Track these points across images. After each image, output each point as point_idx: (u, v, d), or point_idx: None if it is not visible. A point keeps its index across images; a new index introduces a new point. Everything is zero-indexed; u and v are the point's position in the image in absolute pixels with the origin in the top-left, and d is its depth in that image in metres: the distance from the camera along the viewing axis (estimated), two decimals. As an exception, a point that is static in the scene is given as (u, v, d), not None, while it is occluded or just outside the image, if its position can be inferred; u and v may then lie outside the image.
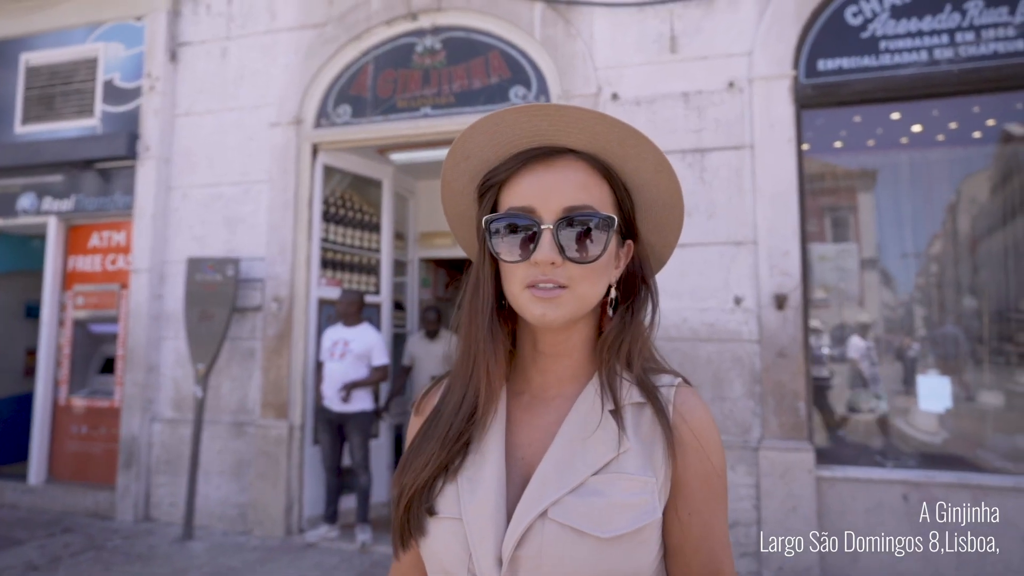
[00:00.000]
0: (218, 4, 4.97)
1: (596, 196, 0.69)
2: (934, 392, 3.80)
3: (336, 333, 4.38)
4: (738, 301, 3.77)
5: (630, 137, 0.68)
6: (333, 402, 4.24)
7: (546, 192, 0.68)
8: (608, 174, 0.71)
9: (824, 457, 3.66)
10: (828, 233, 4.24)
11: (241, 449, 4.53)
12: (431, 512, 0.69)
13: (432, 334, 4.89)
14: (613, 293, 0.74)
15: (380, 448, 4.99)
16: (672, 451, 0.68)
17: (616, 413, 0.69)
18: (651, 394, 0.70)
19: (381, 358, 4.36)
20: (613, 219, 0.69)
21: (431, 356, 4.77)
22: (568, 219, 0.67)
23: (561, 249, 0.67)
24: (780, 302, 3.67)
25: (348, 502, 4.64)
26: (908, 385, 3.93)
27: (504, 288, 0.72)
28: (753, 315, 3.74)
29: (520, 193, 0.70)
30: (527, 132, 0.70)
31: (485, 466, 0.69)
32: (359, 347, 4.28)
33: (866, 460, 3.70)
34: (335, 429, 4.32)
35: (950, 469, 3.53)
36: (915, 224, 4.05)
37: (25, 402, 5.57)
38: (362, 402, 4.29)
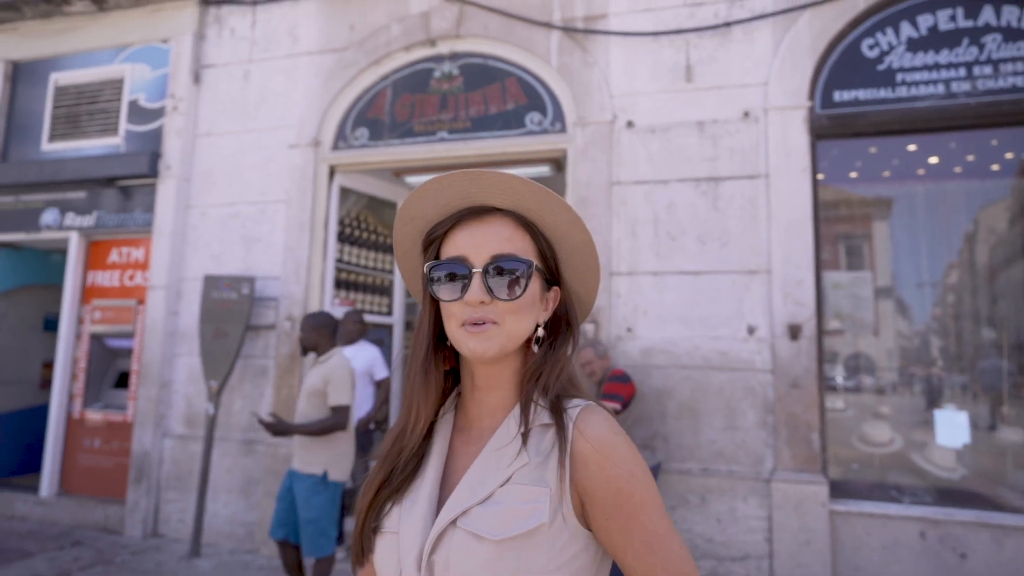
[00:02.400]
0: (242, 28, 5.09)
1: (519, 246, 0.80)
2: (952, 426, 3.73)
3: None
4: (751, 330, 3.74)
5: (544, 198, 0.79)
6: None
7: (476, 243, 0.79)
8: (530, 229, 0.82)
9: (838, 491, 3.61)
10: (842, 261, 4.22)
11: (250, 467, 4.54)
12: (377, 530, 0.80)
13: (305, 351, 3.49)
14: (540, 332, 0.83)
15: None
16: (564, 462, 0.74)
17: (524, 435, 0.77)
18: (556, 415, 0.77)
19: (382, 371, 4.42)
20: (532, 263, 0.79)
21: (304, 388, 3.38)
22: (494, 264, 0.78)
23: (489, 290, 0.77)
24: (794, 332, 3.64)
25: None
26: (925, 418, 3.86)
27: (445, 327, 0.81)
28: (766, 344, 3.71)
29: (455, 245, 0.81)
30: (460, 194, 0.80)
31: (422, 488, 0.79)
32: (361, 364, 4.29)
33: (881, 495, 3.63)
34: None
35: (969, 507, 3.46)
36: (931, 254, 4.02)
37: (40, 414, 5.64)
38: (364, 417, 4.33)
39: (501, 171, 0.78)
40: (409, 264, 0.90)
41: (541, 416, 0.78)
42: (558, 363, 0.82)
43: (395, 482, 0.81)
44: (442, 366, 0.85)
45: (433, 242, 0.84)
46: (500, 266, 0.78)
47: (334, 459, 3.23)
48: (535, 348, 0.83)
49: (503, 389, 0.82)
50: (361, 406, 4.30)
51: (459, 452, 0.82)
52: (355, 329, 4.39)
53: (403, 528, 0.77)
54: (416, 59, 4.62)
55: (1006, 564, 3.24)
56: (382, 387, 4.43)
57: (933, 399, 3.88)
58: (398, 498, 0.80)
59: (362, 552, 0.81)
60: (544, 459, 0.76)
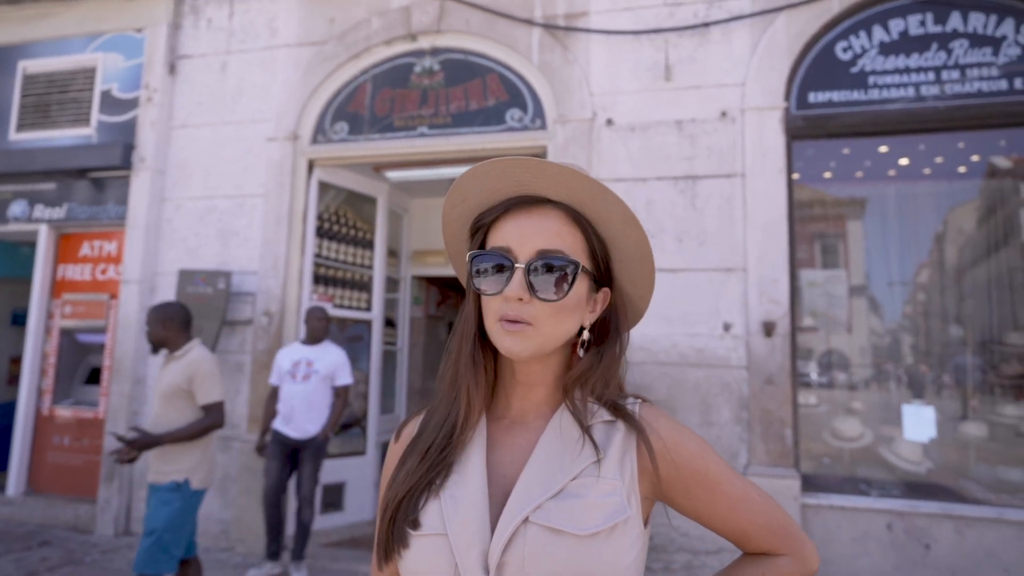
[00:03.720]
0: (219, 19, 5.01)
1: (568, 243, 0.76)
2: (919, 421, 3.83)
3: (296, 353, 4.04)
4: (727, 327, 3.80)
5: (600, 192, 0.75)
6: (294, 427, 3.89)
7: (523, 235, 0.75)
8: (582, 225, 0.78)
9: (810, 484, 3.68)
10: (818, 259, 4.30)
11: (226, 464, 4.48)
12: (415, 525, 0.73)
13: (155, 348, 3.06)
14: (586, 335, 0.79)
15: (366, 465, 4.96)
16: (645, 456, 0.75)
17: (587, 430, 0.75)
18: (621, 412, 0.77)
19: (346, 377, 4.07)
20: (579, 264, 0.75)
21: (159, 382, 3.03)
22: (539, 261, 0.74)
23: (531, 287, 0.73)
24: (768, 329, 3.71)
25: (332, 520, 4.59)
26: (895, 413, 3.96)
27: (484, 319, 0.78)
28: (742, 341, 3.77)
29: (502, 234, 0.77)
30: (513, 181, 0.77)
31: (468, 484, 0.74)
32: (325, 367, 3.98)
33: (851, 489, 3.72)
34: (287, 456, 3.94)
35: (934, 499, 3.56)
36: (902, 253, 4.12)
37: (7, 411, 5.50)
38: (320, 428, 3.96)
39: (556, 161, 0.75)
40: (457, 248, 0.87)
41: (598, 413, 0.77)
42: (607, 371, 0.79)
43: (431, 475, 0.76)
44: (489, 356, 0.82)
45: (480, 228, 0.80)
46: (545, 263, 0.73)
47: (197, 465, 2.86)
48: (580, 352, 0.80)
49: (547, 386, 0.80)
50: (320, 415, 3.96)
51: (502, 445, 0.78)
52: (320, 327, 4.06)
53: (452, 528, 0.71)
54: (397, 54, 4.60)
55: (968, 554, 3.35)
56: (340, 395, 4.04)
57: (902, 395, 3.98)
58: (433, 492, 0.74)
59: (393, 547, 0.74)
60: (620, 454, 0.74)
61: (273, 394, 4.04)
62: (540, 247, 0.74)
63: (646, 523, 0.76)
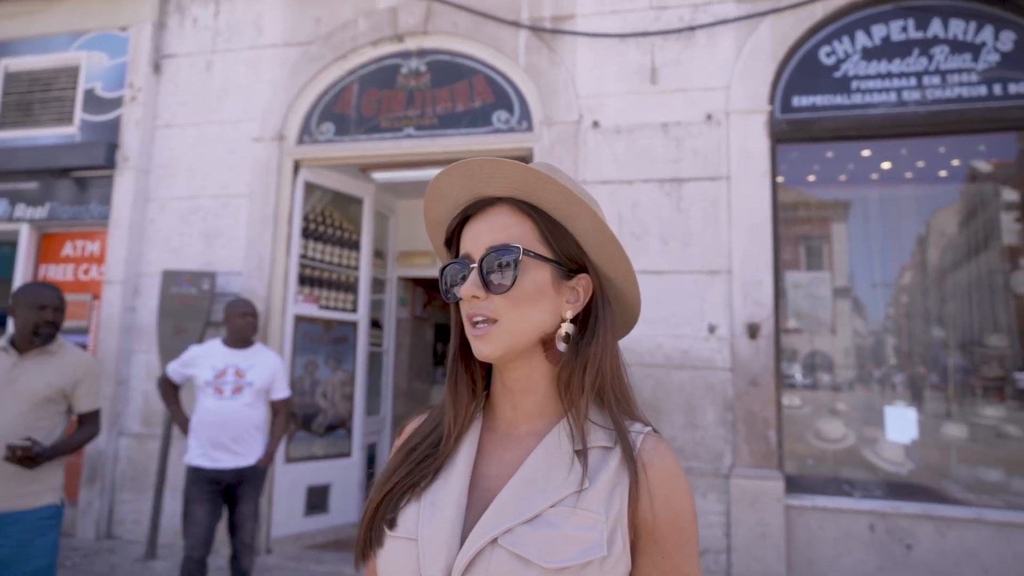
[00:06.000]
0: (205, 18, 4.98)
1: (515, 234, 0.74)
2: (901, 423, 3.87)
3: (218, 357, 3.19)
4: (712, 329, 3.82)
5: (531, 176, 0.73)
6: (225, 457, 3.08)
7: (476, 238, 0.76)
8: (529, 213, 0.76)
9: (793, 486, 3.71)
10: (802, 261, 4.33)
11: (210, 466, 4.44)
12: (391, 524, 0.72)
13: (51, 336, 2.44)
14: (565, 328, 0.75)
15: (351, 467, 4.93)
16: (637, 496, 0.69)
17: (581, 454, 0.71)
18: (622, 439, 0.72)
19: (284, 389, 3.31)
20: (519, 248, 0.73)
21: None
22: (487, 256, 0.74)
23: (485, 284, 0.73)
24: (753, 331, 3.73)
25: (317, 522, 4.57)
26: (878, 415, 4.00)
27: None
28: (726, 343, 3.79)
29: (463, 243, 0.79)
30: (461, 188, 0.78)
31: (448, 492, 0.72)
32: (260, 378, 3.18)
33: (834, 489, 3.75)
34: (219, 495, 3.11)
35: (915, 499, 3.60)
36: (885, 255, 4.16)
37: (-13, 413, 5.41)
38: (259, 453, 3.19)
39: (488, 157, 0.74)
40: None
41: (597, 436, 0.73)
42: (591, 364, 0.74)
43: (415, 476, 0.75)
44: (476, 367, 0.81)
45: (452, 239, 0.82)
46: (492, 257, 0.73)
47: (61, 483, 2.42)
48: (560, 345, 0.76)
49: (537, 392, 0.77)
50: (258, 437, 3.21)
51: (491, 456, 0.76)
52: (247, 325, 3.26)
53: (423, 535, 0.69)
54: (383, 55, 4.59)
55: (947, 553, 3.38)
56: (282, 411, 3.30)
57: (885, 396, 4.02)
58: (415, 494, 0.73)
59: (369, 545, 0.73)
60: (610, 487, 0.70)
61: (168, 383, 3.30)
62: (488, 244, 0.74)
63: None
